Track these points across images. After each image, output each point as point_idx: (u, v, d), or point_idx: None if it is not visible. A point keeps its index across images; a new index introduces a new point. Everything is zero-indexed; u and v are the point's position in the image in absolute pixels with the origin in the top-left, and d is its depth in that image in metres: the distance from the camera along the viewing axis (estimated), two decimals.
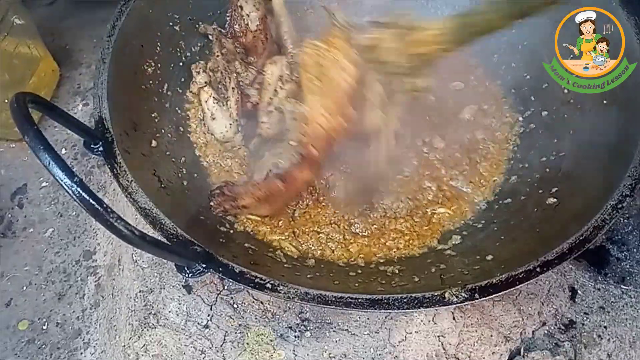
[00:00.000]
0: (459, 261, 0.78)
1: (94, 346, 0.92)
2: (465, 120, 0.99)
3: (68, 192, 0.51)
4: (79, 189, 0.51)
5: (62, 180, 0.51)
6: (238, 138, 0.96)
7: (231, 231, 0.85)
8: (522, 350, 0.83)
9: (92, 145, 0.75)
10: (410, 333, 0.82)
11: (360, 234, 0.87)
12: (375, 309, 0.64)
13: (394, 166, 0.91)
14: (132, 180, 0.72)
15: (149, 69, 0.93)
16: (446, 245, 0.84)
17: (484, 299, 0.64)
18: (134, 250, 0.93)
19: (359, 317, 0.84)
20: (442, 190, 0.91)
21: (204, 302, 0.86)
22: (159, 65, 0.95)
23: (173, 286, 0.88)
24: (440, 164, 0.94)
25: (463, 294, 0.64)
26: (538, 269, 0.65)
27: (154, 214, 0.70)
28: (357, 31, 0.76)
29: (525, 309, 0.85)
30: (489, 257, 0.75)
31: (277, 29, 1.03)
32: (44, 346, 0.93)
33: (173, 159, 0.89)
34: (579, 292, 0.88)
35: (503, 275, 0.65)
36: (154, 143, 0.87)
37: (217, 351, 0.83)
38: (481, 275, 0.68)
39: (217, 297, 0.86)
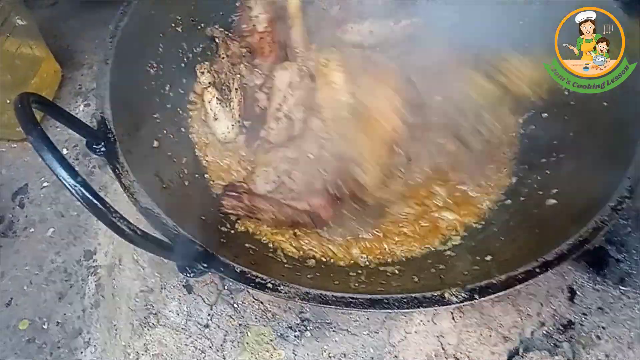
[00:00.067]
0: (458, 261, 0.79)
1: (95, 345, 0.92)
2: (468, 122, 0.99)
3: (71, 192, 0.52)
4: (82, 189, 0.52)
5: (65, 180, 0.52)
6: (240, 139, 0.96)
7: (232, 231, 0.85)
8: (520, 351, 0.83)
9: (94, 146, 0.75)
10: (410, 333, 0.82)
11: (363, 237, 0.87)
12: (375, 309, 0.64)
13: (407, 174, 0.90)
14: (134, 180, 0.72)
15: (151, 70, 0.93)
16: (446, 245, 0.84)
17: (484, 299, 0.64)
18: (135, 250, 0.93)
19: (359, 317, 0.84)
20: (452, 196, 0.90)
21: (204, 301, 0.86)
22: (161, 66, 0.95)
23: (174, 286, 0.88)
24: (449, 168, 0.92)
25: (462, 294, 0.64)
26: (537, 270, 0.66)
27: (156, 214, 0.70)
28: None
29: (524, 309, 0.85)
30: (489, 258, 0.75)
31: (287, 33, 1.01)
32: (44, 345, 0.93)
33: (174, 160, 0.90)
34: (577, 292, 0.88)
35: (502, 276, 0.66)
36: (155, 143, 0.87)
37: (217, 351, 0.83)
38: (481, 276, 0.68)
39: (217, 297, 0.87)
